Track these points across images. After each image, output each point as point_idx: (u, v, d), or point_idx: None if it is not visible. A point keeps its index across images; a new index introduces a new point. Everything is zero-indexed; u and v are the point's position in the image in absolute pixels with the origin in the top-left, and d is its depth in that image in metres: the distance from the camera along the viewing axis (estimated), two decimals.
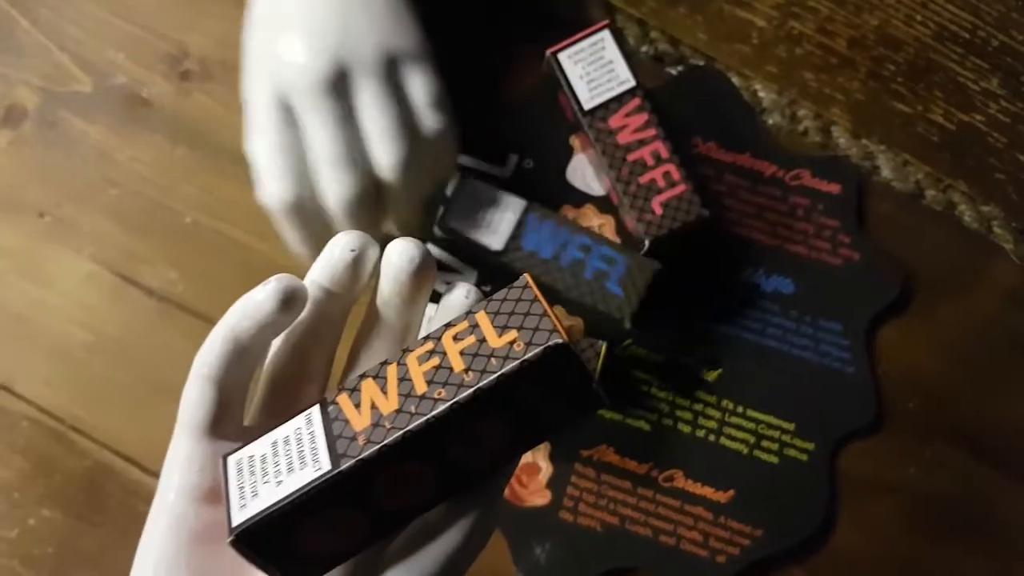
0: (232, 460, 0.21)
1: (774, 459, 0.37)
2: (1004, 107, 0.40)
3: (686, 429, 0.37)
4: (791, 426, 0.37)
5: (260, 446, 0.21)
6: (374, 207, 0.33)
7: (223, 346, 0.22)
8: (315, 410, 0.21)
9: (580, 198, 0.39)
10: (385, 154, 0.31)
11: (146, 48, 0.40)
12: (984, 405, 0.39)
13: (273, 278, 0.22)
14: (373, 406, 0.20)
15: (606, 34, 0.35)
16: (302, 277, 0.23)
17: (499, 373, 0.19)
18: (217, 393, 0.22)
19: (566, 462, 0.37)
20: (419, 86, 0.32)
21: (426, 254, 0.22)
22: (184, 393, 0.23)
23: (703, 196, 0.35)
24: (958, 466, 0.39)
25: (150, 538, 0.22)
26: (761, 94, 0.39)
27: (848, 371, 0.38)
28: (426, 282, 0.23)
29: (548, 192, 0.38)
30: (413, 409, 0.20)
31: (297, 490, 0.19)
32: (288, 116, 0.31)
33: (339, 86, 0.31)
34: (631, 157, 0.35)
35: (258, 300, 0.21)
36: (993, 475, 0.39)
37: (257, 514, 0.19)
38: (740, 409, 0.37)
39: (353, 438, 0.20)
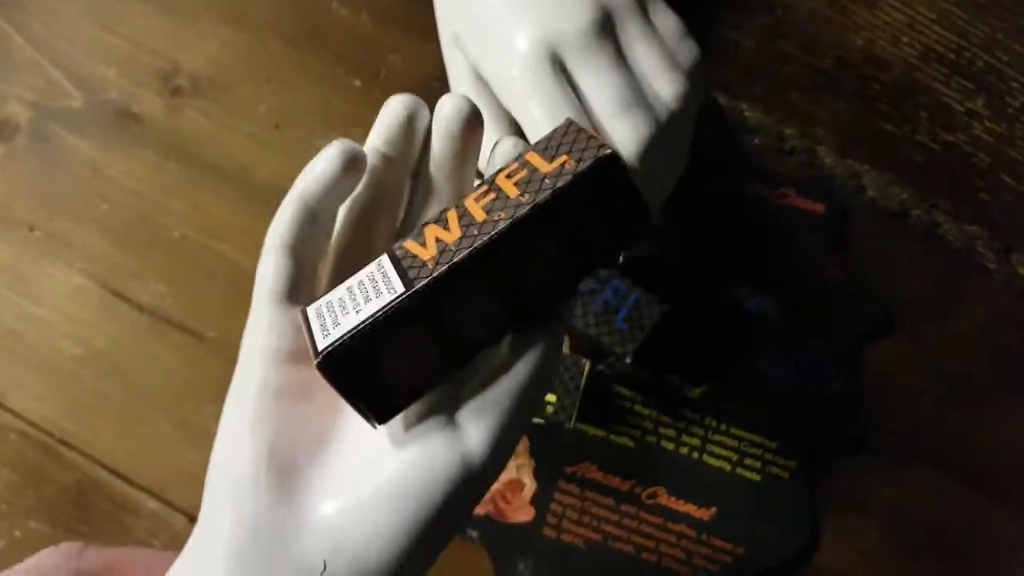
0: (311, 308, 0.22)
1: (756, 476, 0.37)
2: (989, 127, 0.41)
3: (669, 446, 0.38)
4: (773, 444, 0.38)
5: (336, 292, 0.22)
6: (665, 147, 0.30)
7: (294, 212, 0.23)
8: (383, 257, 0.22)
9: None
10: (668, 86, 0.29)
11: (138, 64, 0.40)
12: (967, 426, 0.40)
13: (334, 141, 0.23)
14: (438, 240, 0.21)
15: None
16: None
17: (554, 188, 0.21)
18: (292, 260, 0.23)
19: (550, 479, 0.37)
20: (667, 20, 0.31)
21: (475, 108, 0.24)
22: (260, 264, 0.24)
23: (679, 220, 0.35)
24: (940, 487, 0.39)
25: (238, 399, 0.23)
26: (748, 114, 0.40)
27: (830, 390, 0.38)
28: (475, 136, 0.24)
29: None
30: (476, 232, 0.21)
31: (376, 311, 0.20)
32: (560, 73, 0.28)
33: (608, 29, 0.29)
34: None
35: (322, 163, 0.23)
36: (975, 496, 0.39)
37: (340, 337, 0.20)
38: (723, 427, 0.38)
39: (423, 265, 0.21)
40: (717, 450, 0.38)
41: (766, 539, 0.37)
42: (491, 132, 0.30)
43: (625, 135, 0.28)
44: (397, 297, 0.20)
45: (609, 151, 0.21)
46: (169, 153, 0.40)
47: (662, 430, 0.38)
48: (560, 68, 0.28)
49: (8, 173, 0.40)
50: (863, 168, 0.40)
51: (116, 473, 0.39)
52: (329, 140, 0.39)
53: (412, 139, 0.25)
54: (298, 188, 0.24)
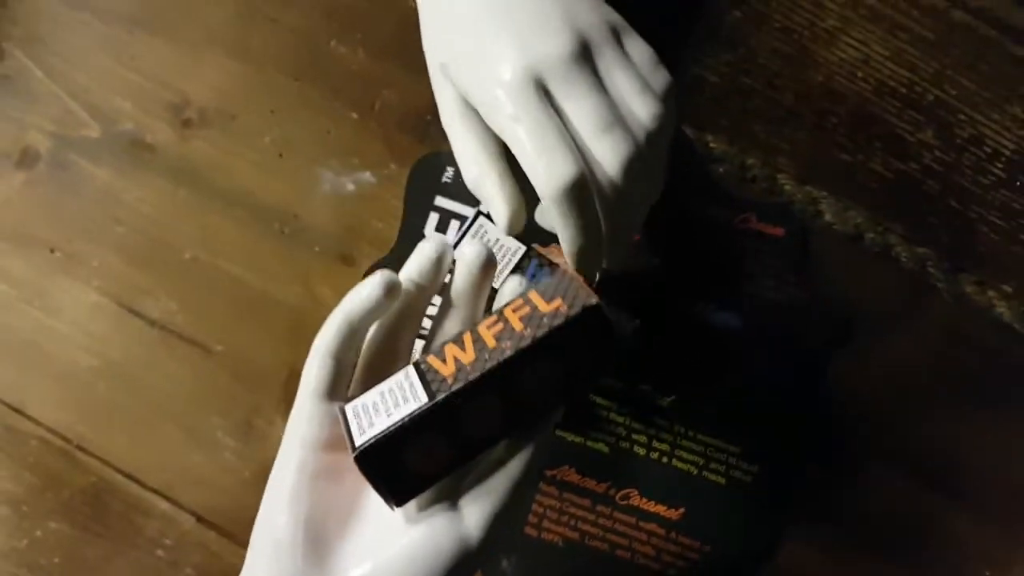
0: (349, 407, 0.27)
1: (721, 480, 0.40)
2: (938, 157, 0.44)
3: (641, 451, 0.41)
4: (737, 450, 0.40)
5: (370, 396, 0.27)
6: (644, 165, 0.31)
7: (339, 327, 0.28)
8: (410, 368, 0.27)
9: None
10: (644, 108, 0.31)
11: (151, 97, 0.43)
12: (921, 432, 0.42)
13: (377, 272, 0.29)
14: (456, 359, 0.26)
15: None
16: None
17: (550, 326, 0.26)
18: (334, 364, 0.28)
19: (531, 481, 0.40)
20: (640, 49, 0.32)
21: (490, 254, 0.30)
22: (307, 365, 0.29)
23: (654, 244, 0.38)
24: (896, 490, 0.42)
25: (280, 477, 0.28)
26: (713, 144, 0.42)
27: (791, 400, 0.41)
28: (490, 274, 0.30)
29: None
30: (487, 356, 0.26)
31: (404, 416, 0.25)
32: (544, 98, 0.29)
33: (586, 55, 0.30)
34: None
35: (368, 290, 0.28)
36: (931, 498, 0.42)
37: (375, 436, 0.25)
38: (691, 433, 0.41)
39: (443, 380, 0.26)
40: (685, 455, 0.41)
41: (730, 538, 0.40)
42: (480, 154, 0.32)
43: (607, 153, 0.29)
44: (422, 406, 0.25)
45: (594, 301, 0.26)
46: (180, 180, 0.42)
47: (635, 436, 0.41)
48: (544, 92, 0.29)
49: (29, 198, 0.43)
50: (821, 194, 0.43)
51: (129, 476, 0.41)
52: (328, 167, 0.43)
53: (440, 273, 0.30)
54: (344, 307, 0.29)
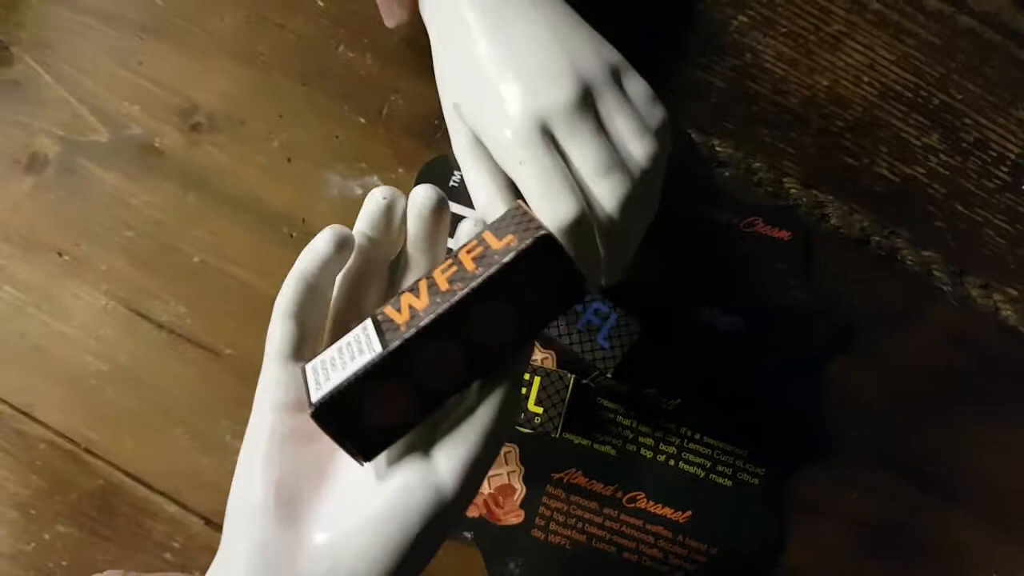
0: (309, 366, 0.27)
1: (728, 482, 0.40)
2: (944, 160, 0.44)
3: (648, 454, 0.41)
4: (743, 452, 0.41)
5: (329, 352, 0.26)
6: (640, 204, 0.34)
7: (296, 285, 0.28)
8: (368, 321, 0.26)
9: None
10: (641, 149, 0.33)
11: (159, 102, 0.43)
12: (923, 435, 0.42)
13: (328, 227, 0.28)
14: (410, 306, 0.26)
15: None
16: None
17: (500, 262, 0.25)
18: (294, 325, 0.28)
19: (539, 484, 0.40)
20: (637, 88, 0.34)
21: (442, 196, 0.29)
22: (269, 330, 0.29)
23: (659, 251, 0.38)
24: (898, 491, 0.42)
25: (252, 442, 0.28)
26: (719, 148, 0.43)
27: (796, 403, 0.41)
28: (444, 218, 0.30)
29: None
30: (439, 300, 0.25)
31: (357, 368, 0.25)
32: (549, 142, 0.32)
33: (589, 101, 0.32)
34: None
35: (318, 244, 0.28)
36: (931, 500, 0.42)
37: (329, 391, 0.25)
38: (697, 436, 0.41)
39: (397, 328, 0.25)
40: (692, 458, 0.41)
41: (737, 540, 0.40)
42: (490, 186, 0.34)
43: (606, 194, 0.31)
44: (375, 356, 0.25)
45: (544, 232, 0.25)
46: (188, 184, 0.43)
47: (641, 439, 0.41)
48: (549, 136, 0.31)
49: (38, 202, 0.43)
50: (827, 198, 0.43)
51: (137, 479, 0.41)
52: (336, 172, 0.43)
53: (391, 223, 0.30)
54: (298, 266, 0.29)
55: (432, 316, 0.25)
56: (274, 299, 0.42)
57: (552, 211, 0.30)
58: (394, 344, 0.24)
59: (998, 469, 0.42)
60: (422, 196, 0.29)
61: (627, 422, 0.41)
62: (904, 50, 0.44)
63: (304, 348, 0.29)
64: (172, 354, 0.42)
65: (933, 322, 0.43)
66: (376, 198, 0.30)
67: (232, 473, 0.41)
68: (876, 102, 0.44)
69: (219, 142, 0.43)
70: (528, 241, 0.25)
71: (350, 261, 0.29)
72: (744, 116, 0.43)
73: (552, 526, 0.40)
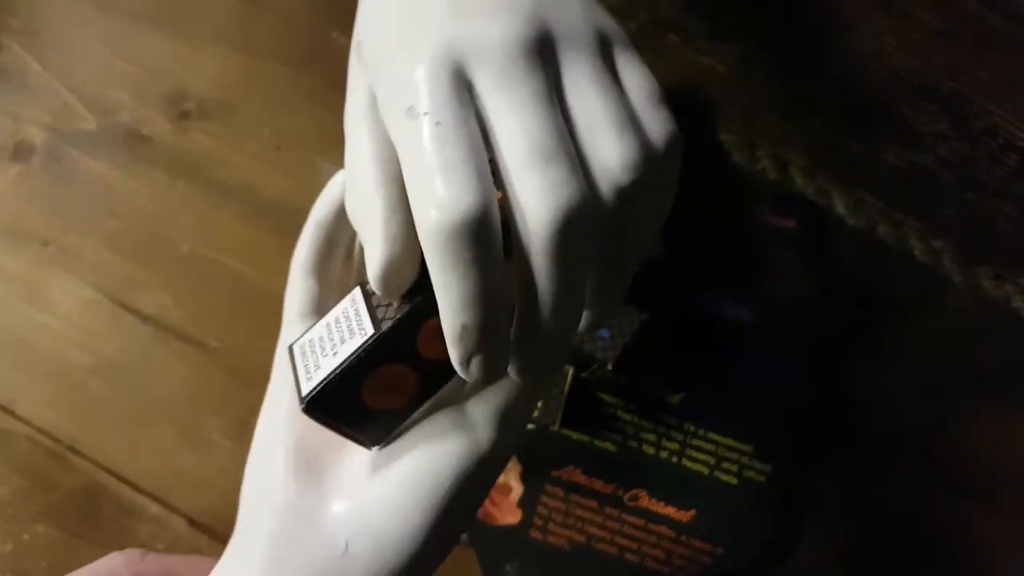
0: (296, 346, 0.24)
1: (733, 480, 0.39)
2: (953, 148, 0.43)
3: (650, 450, 0.39)
4: (749, 448, 0.39)
5: (317, 329, 0.24)
6: (593, 237, 0.20)
7: (313, 236, 0.26)
8: (356, 291, 0.24)
9: None
10: (616, 149, 0.20)
11: (148, 89, 0.42)
12: (938, 429, 0.41)
13: (340, 171, 0.25)
14: None
15: None
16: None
17: None
18: (314, 281, 0.26)
19: (536, 482, 0.39)
20: (638, 76, 0.22)
21: None
22: (287, 289, 0.26)
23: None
24: (913, 487, 0.41)
25: (271, 405, 0.26)
26: (722, 135, 0.42)
27: (804, 396, 0.40)
28: None
29: None
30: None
31: (350, 355, 0.22)
32: (464, 94, 0.20)
33: (543, 55, 0.20)
34: None
35: (334, 188, 0.26)
36: (953, 498, 0.41)
37: (320, 382, 0.22)
38: (701, 432, 0.39)
39: (389, 305, 0.22)
40: (696, 454, 0.39)
41: (743, 540, 0.39)
42: (371, 171, 0.22)
43: (535, 195, 0.19)
44: (367, 340, 0.22)
45: None
46: (177, 172, 0.42)
47: (643, 435, 0.39)
48: (465, 88, 0.20)
49: (24, 191, 0.42)
50: (833, 186, 0.42)
51: (121, 478, 0.40)
52: (328, 159, 0.42)
53: None
54: (313, 216, 0.26)
55: (430, 289, 0.20)
56: (265, 290, 0.41)
57: (436, 198, 0.18)
58: (386, 326, 0.22)
59: (1018, 461, 0.41)
60: None
61: (628, 417, 0.39)
62: (911, 36, 0.43)
63: (326, 307, 0.26)
64: (158, 347, 0.41)
65: (943, 313, 0.42)
66: None
67: (218, 471, 0.40)
68: (883, 88, 0.43)
69: (209, 129, 0.42)
70: None
71: None
72: (748, 102, 0.42)
73: (551, 526, 0.39)
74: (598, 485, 0.39)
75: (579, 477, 0.39)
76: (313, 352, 0.23)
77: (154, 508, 0.40)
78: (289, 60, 0.42)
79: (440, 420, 0.24)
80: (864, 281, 0.41)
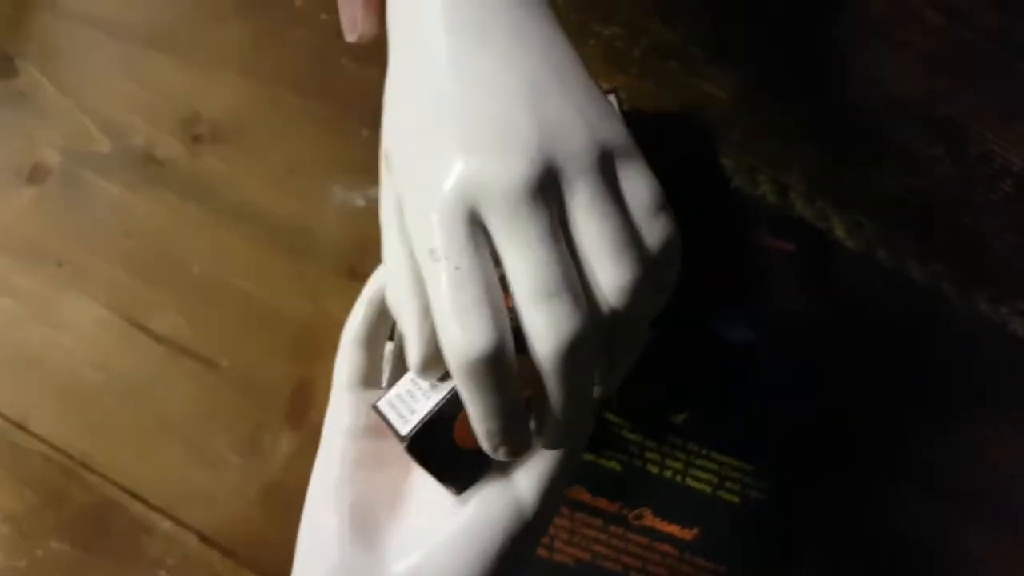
0: (383, 403, 0.26)
1: (736, 499, 0.40)
2: (949, 172, 0.44)
3: (654, 469, 0.40)
4: (751, 468, 0.40)
5: (402, 385, 0.26)
6: (595, 352, 0.23)
7: (366, 311, 0.28)
8: None
9: None
10: (611, 275, 0.23)
11: (161, 113, 0.43)
12: (936, 448, 0.42)
13: None
14: None
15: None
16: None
17: None
18: (364, 352, 0.29)
19: None
20: (639, 187, 0.24)
21: None
22: (338, 357, 0.29)
23: None
24: (914, 507, 0.41)
25: (323, 469, 0.28)
26: (723, 160, 0.43)
27: (806, 416, 0.41)
28: None
29: None
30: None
31: (446, 393, 0.25)
32: (478, 235, 0.22)
33: (548, 190, 0.22)
34: None
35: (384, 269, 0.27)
36: (947, 514, 0.41)
37: (421, 421, 0.25)
38: (704, 451, 0.40)
39: None
40: (699, 473, 0.40)
41: (746, 558, 0.39)
42: (404, 274, 0.24)
43: (540, 328, 0.22)
44: (453, 386, 0.24)
45: None
46: (190, 195, 0.42)
47: (647, 454, 0.40)
48: (480, 229, 0.22)
49: (39, 213, 0.43)
50: (832, 210, 0.43)
51: (133, 494, 0.41)
52: (339, 183, 0.43)
53: None
54: (367, 292, 0.29)
55: (514, 327, 0.22)
56: (275, 310, 0.42)
57: (455, 338, 0.21)
58: None
59: (1014, 482, 0.42)
60: None
61: (633, 436, 0.40)
62: (907, 63, 0.44)
63: (372, 373, 0.29)
64: (170, 366, 0.41)
65: (941, 335, 0.42)
66: None
67: (229, 488, 0.41)
68: (881, 114, 0.44)
69: (221, 153, 0.43)
70: None
71: None
72: (748, 127, 0.43)
73: (556, 544, 0.39)
74: (603, 504, 0.39)
75: (584, 496, 0.40)
76: (403, 402, 0.26)
77: (166, 524, 0.40)
78: (300, 86, 0.43)
79: (489, 489, 0.26)
80: (863, 303, 0.42)
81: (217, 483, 0.41)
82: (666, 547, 0.39)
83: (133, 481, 0.41)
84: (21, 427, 0.41)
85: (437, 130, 0.23)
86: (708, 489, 0.40)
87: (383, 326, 0.29)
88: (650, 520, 0.39)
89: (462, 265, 0.22)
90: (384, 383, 0.30)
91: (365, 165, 0.43)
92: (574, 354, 0.22)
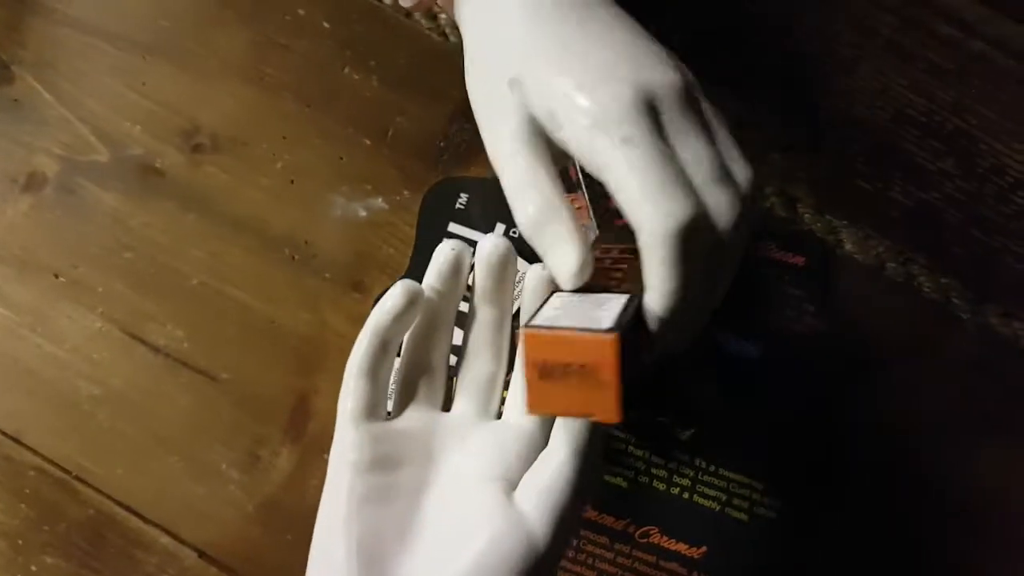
0: (541, 318, 0.23)
1: (744, 516, 0.39)
2: (960, 186, 0.43)
3: (661, 487, 0.39)
4: (760, 485, 0.39)
5: (543, 312, 0.24)
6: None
7: (370, 342, 0.28)
8: (556, 296, 0.25)
9: None
10: (743, 170, 0.26)
11: (161, 122, 0.42)
12: (947, 466, 0.41)
13: (399, 282, 0.28)
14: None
15: None
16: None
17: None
18: (369, 383, 0.28)
19: None
20: (724, 133, 0.27)
21: (509, 245, 0.29)
22: (343, 389, 0.29)
23: None
24: (923, 523, 0.41)
25: (330, 504, 0.28)
26: None
27: (812, 432, 0.40)
28: (511, 267, 0.30)
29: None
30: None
31: (623, 302, 0.23)
32: (660, 126, 0.25)
33: (694, 98, 0.26)
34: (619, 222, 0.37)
35: (391, 301, 0.28)
36: (956, 532, 0.41)
37: (615, 320, 0.22)
38: (712, 468, 0.39)
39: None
40: (706, 490, 0.39)
41: None
42: (549, 189, 0.26)
43: (722, 205, 0.24)
44: (630, 298, 0.24)
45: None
46: (189, 205, 0.42)
47: (654, 471, 0.39)
48: (656, 120, 0.24)
49: (36, 223, 0.42)
50: (841, 224, 0.42)
51: (129, 509, 0.40)
52: (340, 194, 0.42)
53: (459, 276, 0.30)
54: (371, 322, 0.29)
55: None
56: (274, 322, 0.41)
57: (664, 209, 0.23)
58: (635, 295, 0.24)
59: (1016, 495, 0.41)
60: (489, 246, 0.29)
61: (639, 453, 0.39)
62: (917, 75, 0.44)
63: (377, 405, 0.29)
64: (168, 378, 0.41)
65: (952, 350, 0.42)
66: (444, 251, 0.30)
67: (227, 503, 0.40)
68: (890, 127, 0.43)
69: (221, 163, 0.42)
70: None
71: (419, 316, 0.30)
72: (756, 140, 0.43)
73: (563, 562, 0.39)
74: (609, 521, 0.39)
75: (590, 513, 0.39)
76: (570, 316, 0.23)
77: (163, 540, 0.40)
78: (301, 95, 0.43)
79: (496, 519, 0.26)
80: (872, 318, 0.42)
81: (215, 498, 0.40)
82: (674, 566, 0.39)
83: (129, 496, 0.40)
84: (16, 440, 0.40)
85: (594, 48, 0.25)
86: (716, 506, 0.39)
87: (387, 357, 0.29)
88: (657, 538, 0.39)
89: (658, 146, 0.24)
90: (388, 413, 0.30)
91: (367, 175, 0.42)
92: (742, 228, 0.25)
